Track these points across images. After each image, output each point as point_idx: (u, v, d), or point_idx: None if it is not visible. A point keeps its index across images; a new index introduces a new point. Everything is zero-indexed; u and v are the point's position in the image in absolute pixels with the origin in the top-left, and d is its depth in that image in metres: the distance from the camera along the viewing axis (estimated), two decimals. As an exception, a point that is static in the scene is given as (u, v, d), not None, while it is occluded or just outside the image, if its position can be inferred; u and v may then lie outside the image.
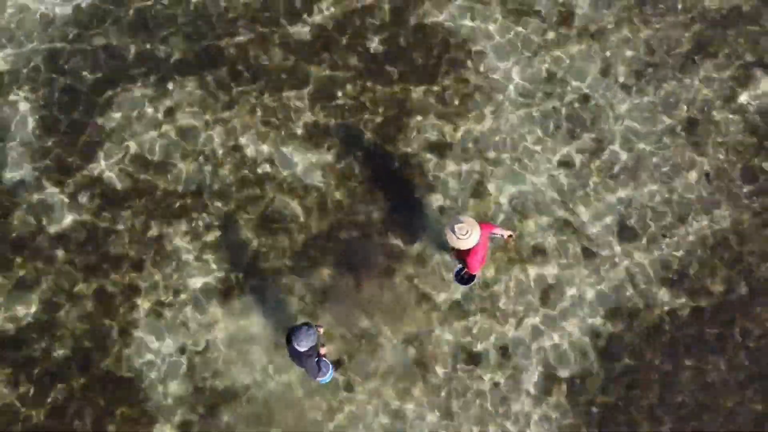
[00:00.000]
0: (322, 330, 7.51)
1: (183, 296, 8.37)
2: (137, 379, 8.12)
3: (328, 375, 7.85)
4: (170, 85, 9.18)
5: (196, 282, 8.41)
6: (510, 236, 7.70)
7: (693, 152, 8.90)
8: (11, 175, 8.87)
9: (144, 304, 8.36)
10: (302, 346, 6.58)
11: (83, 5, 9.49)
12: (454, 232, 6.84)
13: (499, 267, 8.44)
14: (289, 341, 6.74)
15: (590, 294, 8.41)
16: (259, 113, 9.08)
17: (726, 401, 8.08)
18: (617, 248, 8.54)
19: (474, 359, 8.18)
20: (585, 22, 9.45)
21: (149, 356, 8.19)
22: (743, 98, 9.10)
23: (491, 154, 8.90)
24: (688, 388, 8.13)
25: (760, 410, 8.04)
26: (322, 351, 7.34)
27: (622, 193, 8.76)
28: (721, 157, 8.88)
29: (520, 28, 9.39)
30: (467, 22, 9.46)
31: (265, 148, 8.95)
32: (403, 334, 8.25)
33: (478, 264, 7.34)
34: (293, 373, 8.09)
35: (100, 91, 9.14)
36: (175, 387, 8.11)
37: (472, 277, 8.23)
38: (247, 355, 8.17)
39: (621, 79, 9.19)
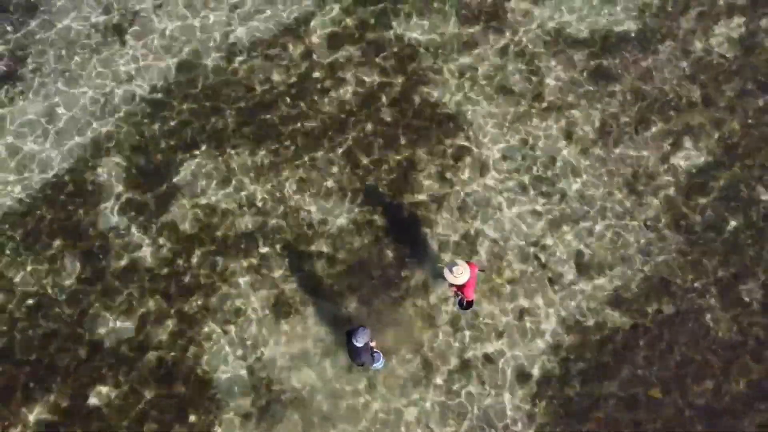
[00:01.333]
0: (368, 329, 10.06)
1: (245, 316, 10.90)
2: (211, 380, 10.65)
3: (381, 362, 10.39)
4: (229, 150, 11.74)
5: (255, 303, 10.95)
6: (483, 270, 10.27)
7: (635, 203, 11.46)
8: (108, 223, 11.41)
9: (214, 322, 10.89)
10: (359, 342, 9.10)
11: (160, 85, 12.06)
12: (451, 272, 9.39)
13: (483, 295, 10.99)
14: (349, 339, 9.24)
15: (553, 314, 10.95)
16: (300, 172, 11.63)
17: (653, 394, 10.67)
18: (575, 278, 11.09)
19: (463, 363, 10.71)
20: (553, 98, 12.03)
21: (222, 365, 10.72)
22: (674, 161, 11.67)
23: (478, 206, 11.46)
24: (627, 384, 10.70)
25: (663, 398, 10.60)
26: (372, 344, 9.84)
27: (578, 237, 11.33)
28: (657, 204, 11.45)
29: (502, 104, 11.98)
30: (458, 98, 12.05)
31: (306, 198, 11.50)
32: (413, 344, 10.79)
33: (472, 292, 9.89)
34: (329, 377, 10.64)
35: (174, 154, 11.70)
36: (239, 385, 10.64)
37: (470, 303, 10.78)
38: (296, 361, 10.70)
39: (581, 146, 11.77)
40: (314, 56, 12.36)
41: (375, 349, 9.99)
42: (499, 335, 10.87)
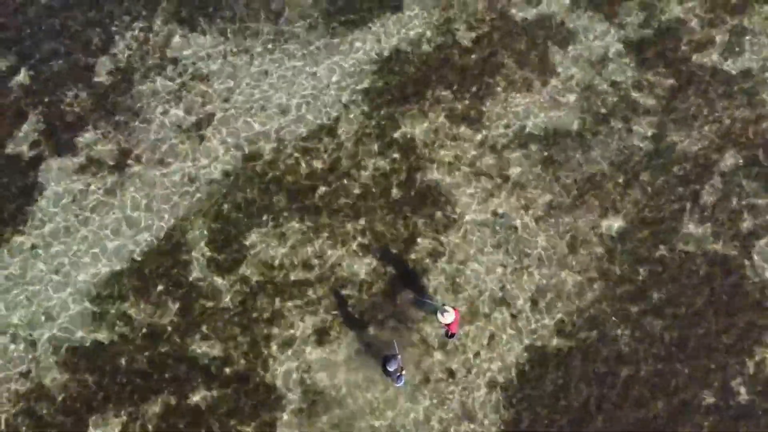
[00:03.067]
0: (400, 357, 14.50)
1: (300, 339, 15.36)
2: (276, 386, 15.12)
3: (402, 382, 14.87)
4: (282, 221, 16.23)
5: (307, 329, 15.44)
6: (456, 309, 14.83)
7: (570, 258, 15.94)
8: (195, 274, 15.88)
9: (276, 345, 15.38)
10: (391, 367, 13.61)
11: (230, 169, 16.56)
12: (442, 315, 13.86)
13: (462, 326, 15.49)
14: (383, 364, 13.71)
15: (516, 341, 15.43)
16: (327, 236, 16.11)
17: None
18: (529, 314, 15.58)
19: (450, 372, 15.18)
20: (517, 178, 16.52)
21: (288, 372, 15.20)
22: (605, 229, 16.16)
23: (461, 262, 15.93)
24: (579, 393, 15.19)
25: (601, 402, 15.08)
26: (402, 370, 14.29)
27: (533, 282, 15.83)
28: (588, 260, 15.93)
29: (481, 183, 16.48)
30: (448, 179, 16.53)
31: (338, 253, 15.98)
32: (415, 362, 15.27)
33: (456, 327, 14.39)
34: (363, 390, 15.11)
35: (244, 223, 16.19)
36: (294, 395, 15.13)
37: (453, 335, 15.26)
38: (338, 376, 15.17)
39: (539, 213, 16.26)
40: (343, 148, 16.86)
41: (400, 372, 14.48)
42: (474, 355, 15.38)
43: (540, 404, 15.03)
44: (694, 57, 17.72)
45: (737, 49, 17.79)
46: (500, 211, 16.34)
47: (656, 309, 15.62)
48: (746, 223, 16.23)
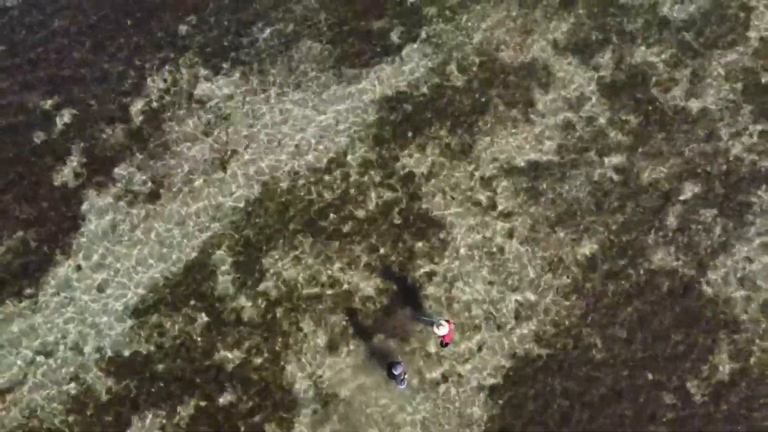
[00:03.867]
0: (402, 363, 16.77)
1: (314, 348, 17.59)
2: (293, 389, 17.34)
3: (405, 385, 17.18)
4: (297, 243, 18.46)
5: (319, 339, 17.67)
6: (450, 322, 17.09)
7: (549, 277, 18.20)
8: (221, 291, 18.10)
9: (292, 353, 17.61)
10: (396, 371, 15.92)
11: (252, 199, 18.80)
12: (438, 327, 16.12)
13: (455, 339, 17.75)
14: (389, 369, 15.99)
15: (502, 349, 17.67)
16: (337, 257, 18.36)
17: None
18: (513, 325, 17.84)
19: (444, 376, 17.43)
20: (503, 206, 18.77)
21: (304, 377, 17.43)
22: (580, 251, 18.43)
23: (454, 280, 18.18)
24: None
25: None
26: (405, 374, 16.59)
27: (517, 298, 18.10)
28: (567, 281, 18.18)
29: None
30: (443, 207, 18.79)
31: (346, 272, 18.22)
32: (415, 368, 17.50)
33: (450, 338, 16.67)
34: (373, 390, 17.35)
35: (263, 246, 18.43)
36: (309, 397, 17.36)
37: (447, 345, 17.51)
38: (347, 380, 17.40)
39: (522, 237, 18.51)
40: (350, 179, 19.12)
41: (404, 376, 16.73)
42: (465, 362, 17.63)
43: (522, 403, 17.30)
44: (660, 97, 20.04)
45: (697, 89, 20.10)
46: (489, 236, 18.64)
47: (624, 321, 17.91)
48: (703, 246, 18.53)
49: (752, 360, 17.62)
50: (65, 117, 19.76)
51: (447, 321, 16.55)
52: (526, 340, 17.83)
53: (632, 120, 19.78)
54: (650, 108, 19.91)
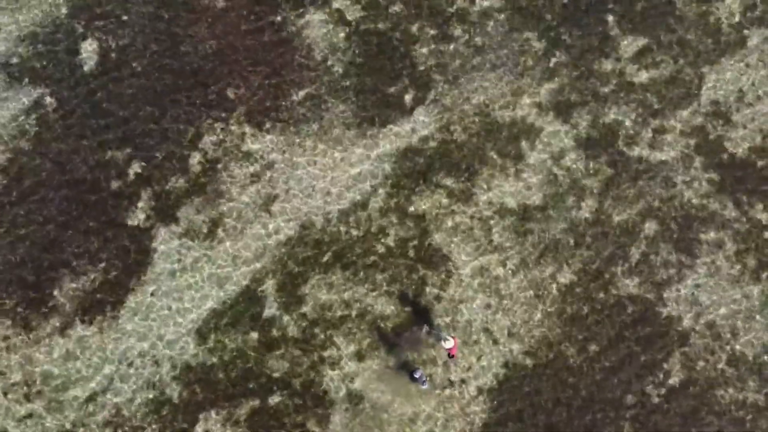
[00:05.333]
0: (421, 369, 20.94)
1: (345, 358, 21.65)
2: (328, 392, 21.39)
3: (426, 385, 21.31)
4: (330, 275, 22.55)
5: (350, 350, 21.74)
6: (455, 338, 21.20)
7: (534, 305, 22.34)
8: (269, 312, 22.16)
9: (328, 362, 21.68)
10: (417, 375, 20.25)
11: (297, 236, 22.93)
12: (445, 342, 20.26)
13: (459, 350, 21.86)
14: (411, 374, 20.24)
15: (497, 359, 21.78)
16: (362, 284, 22.45)
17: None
18: (506, 340, 21.96)
19: (450, 382, 21.52)
20: (498, 242, 22.90)
21: (337, 382, 21.49)
22: (559, 279, 22.56)
23: (458, 303, 22.28)
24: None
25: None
26: (425, 377, 20.77)
27: (509, 318, 22.23)
28: (550, 304, 22.33)
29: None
30: (448, 242, 22.90)
31: (370, 296, 22.32)
32: (426, 374, 21.60)
33: (455, 351, 20.81)
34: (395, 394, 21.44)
35: (306, 275, 22.52)
36: (341, 398, 21.42)
37: (453, 356, 21.64)
38: (373, 384, 21.46)
39: (513, 267, 22.65)
40: (372, 220, 23.20)
41: (424, 378, 20.84)
42: (467, 369, 21.74)
43: (515, 403, 21.42)
44: (627, 151, 24.22)
45: (658, 144, 24.28)
46: (486, 267, 22.77)
47: (596, 336, 22.06)
48: (660, 275, 22.72)
49: (698, 367, 21.83)
50: (135, 168, 23.81)
51: (453, 336, 20.69)
52: (516, 352, 21.95)
53: (604, 170, 23.97)
54: (619, 159, 24.11)
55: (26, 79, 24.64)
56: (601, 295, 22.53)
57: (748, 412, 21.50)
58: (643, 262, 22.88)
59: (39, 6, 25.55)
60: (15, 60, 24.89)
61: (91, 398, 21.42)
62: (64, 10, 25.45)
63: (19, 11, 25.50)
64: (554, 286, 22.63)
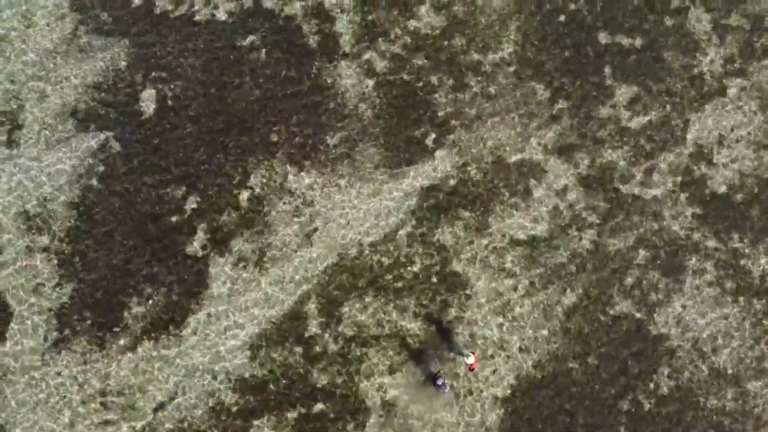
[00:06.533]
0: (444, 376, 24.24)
1: (378, 370, 24.91)
2: (364, 400, 24.64)
3: (447, 389, 24.67)
4: (365, 298, 25.85)
5: (383, 364, 25.01)
6: (475, 353, 24.51)
7: (542, 324, 25.71)
8: (311, 331, 25.44)
9: (363, 375, 24.93)
10: (439, 382, 23.70)
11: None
12: (466, 357, 23.59)
13: (479, 364, 25.17)
14: (434, 380, 23.77)
15: (511, 372, 25.09)
16: (393, 306, 25.74)
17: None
18: (518, 355, 25.29)
19: (470, 391, 24.81)
20: (509, 268, 26.24)
21: (372, 392, 24.74)
22: (563, 301, 25.93)
23: (476, 323, 25.59)
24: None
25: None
26: (447, 382, 24.11)
27: (520, 335, 25.57)
28: (555, 323, 25.68)
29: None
30: (467, 269, 26.22)
31: (399, 316, 25.61)
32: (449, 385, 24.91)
33: (476, 365, 24.15)
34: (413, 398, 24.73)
35: (342, 300, 25.83)
36: (375, 405, 24.67)
37: (473, 370, 24.95)
38: (403, 393, 24.74)
39: (523, 292, 25.99)
40: (400, 249, 26.48)
41: (446, 384, 24.16)
42: (484, 381, 25.03)
43: (526, 410, 24.75)
44: (622, 188, 27.63)
45: (648, 182, 27.69)
46: (500, 293, 26.10)
47: (595, 351, 25.42)
48: (651, 298, 26.11)
49: (684, 378, 25.23)
50: (192, 203, 27.08)
51: (473, 353, 24.00)
52: (527, 365, 25.28)
53: (601, 205, 27.38)
54: (614, 196, 27.53)
55: (93, 125, 27.92)
56: (600, 315, 25.90)
57: (727, 417, 24.92)
58: (636, 286, 26.29)
59: (101, 58, 28.82)
60: (82, 107, 28.15)
61: (159, 407, 24.65)
62: (123, 63, 28.74)
63: (84, 62, 28.76)
64: (559, 307, 26.00)
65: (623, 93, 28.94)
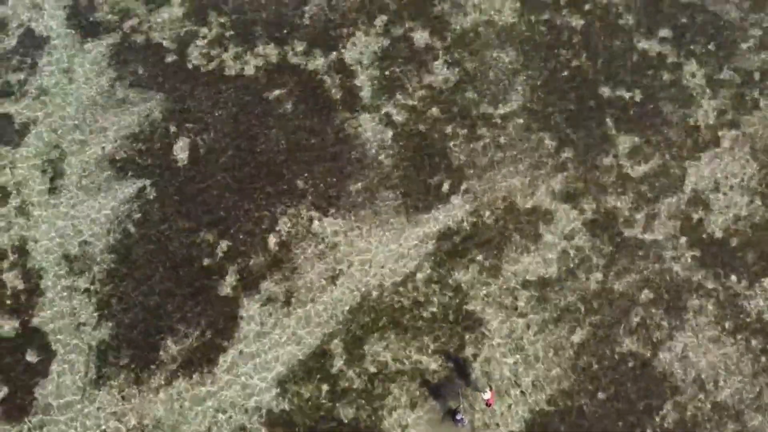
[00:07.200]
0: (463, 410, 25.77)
1: (401, 405, 26.41)
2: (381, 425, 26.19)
3: (467, 426, 26.12)
4: (386, 337, 27.48)
5: (404, 399, 26.53)
6: (492, 389, 26.11)
7: (554, 361, 27.34)
8: (337, 367, 26.97)
9: (386, 409, 26.41)
10: (458, 416, 25.08)
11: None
12: (483, 393, 25.13)
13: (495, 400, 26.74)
14: (453, 415, 25.16)
15: (524, 407, 26.63)
16: (412, 344, 27.36)
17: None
18: (531, 391, 26.85)
19: (486, 424, 26.30)
20: (522, 308, 27.94)
21: (394, 425, 26.21)
22: (573, 340, 27.59)
23: (492, 360, 27.19)
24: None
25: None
26: (466, 418, 25.60)
27: (533, 372, 27.19)
28: (566, 360, 27.32)
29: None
30: (483, 309, 27.90)
31: (419, 354, 27.20)
32: (468, 419, 26.41)
33: (492, 401, 25.71)
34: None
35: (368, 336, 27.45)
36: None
37: (490, 405, 26.49)
38: (424, 426, 26.23)
39: (535, 329, 27.66)
40: (418, 290, 28.18)
41: (465, 420, 25.66)
42: (500, 415, 26.54)
43: (539, 443, 26.32)
44: (625, 231, 29.52)
45: (650, 226, 29.59)
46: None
47: (604, 386, 27.01)
48: (655, 336, 27.81)
49: (688, 413, 26.81)
50: (223, 246, 28.82)
51: (489, 388, 25.58)
52: (540, 400, 26.84)
53: (606, 248, 29.23)
54: (618, 239, 29.40)
55: (130, 173, 29.78)
56: (608, 352, 27.55)
57: (728, 449, 26.52)
58: (641, 325, 28.00)
59: (138, 111, 30.81)
60: (120, 156, 30.05)
61: (194, 440, 26.13)
62: (159, 114, 30.73)
63: (121, 114, 30.74)
64: (569, 345, 27.65)
65: (624, 143, 31.00)
